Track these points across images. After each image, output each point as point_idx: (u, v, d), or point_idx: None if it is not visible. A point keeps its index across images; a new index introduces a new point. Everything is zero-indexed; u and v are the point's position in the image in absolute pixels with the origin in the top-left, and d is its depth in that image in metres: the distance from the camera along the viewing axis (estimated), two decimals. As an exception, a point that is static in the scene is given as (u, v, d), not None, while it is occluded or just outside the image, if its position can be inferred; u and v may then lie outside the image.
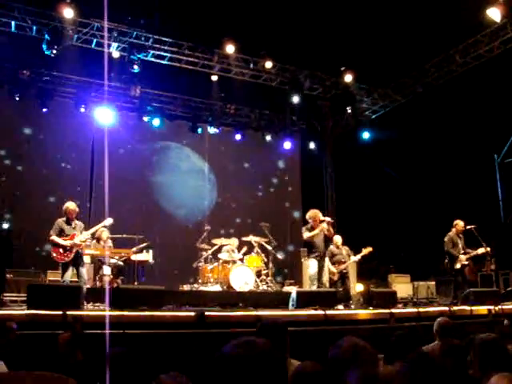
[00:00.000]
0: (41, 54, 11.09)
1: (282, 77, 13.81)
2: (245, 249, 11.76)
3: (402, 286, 12.51)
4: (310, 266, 9.51)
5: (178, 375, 2.25)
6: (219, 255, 11.49)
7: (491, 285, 11.24)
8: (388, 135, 14.02)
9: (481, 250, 10.06)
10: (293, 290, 9.52)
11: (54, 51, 10.88)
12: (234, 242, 11.76)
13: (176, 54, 12.64)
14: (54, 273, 10.81)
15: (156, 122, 14.19)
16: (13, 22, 11.03)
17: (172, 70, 13.07)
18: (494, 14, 10.52)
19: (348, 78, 13.53)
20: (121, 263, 10.10)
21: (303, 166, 16.88)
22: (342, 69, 13.48)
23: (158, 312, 6.91)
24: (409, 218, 13.78)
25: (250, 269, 11.05)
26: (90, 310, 7.40)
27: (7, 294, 9.70)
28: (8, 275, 10.20)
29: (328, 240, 10.10)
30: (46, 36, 10.84)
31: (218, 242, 11.72)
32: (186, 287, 11.29)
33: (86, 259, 9.57)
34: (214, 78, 13.52)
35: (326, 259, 9.99)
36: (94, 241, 9.70)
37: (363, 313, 8.28)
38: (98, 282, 9.75)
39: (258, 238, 11.87)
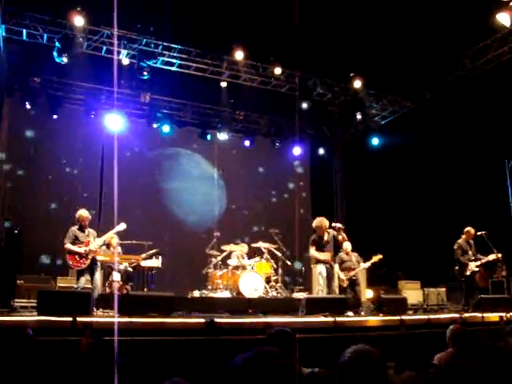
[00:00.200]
0: (51, 62, 11.19)
1: (291, 83, 13.83)
2: (256, 258, 11.74)
3: (412, 293, 12.44)
4: (320, 272, 9.47)
5: (181, 381, 2.24)
6: (229, 261, 11.49)
7: (502, 291, 11.14)
8: (397, 141, 13.98)
9: (492, 257, 9.99)
10: (302, 296, 9.49)
11: (65, 59, 10.97)
12: (244, 248, 11.76)
13: (185, 61, 12.69)
14: (64, 279, 10.88)
15: (166, 128, 14.22)
16: (24, 31, 11.14)
17: (181, 76, 13.11)
18: (504, 18, 10.49)
19: (357, 83, 13.54)
20: (130, 269, 10.13)
21: (313, 172, 16.88)
22: (351, 75, 13.49)
23: (167, 319, 6.90)
24: (419, 224, 13.70)
25: (259, 275, 11.03)
26: (99, 317, 7.42)
27: (18, 300, 9.75)
28: (18, 281, 10.26)
29: (338, 246, 10.06)
30: (57, 44, 10.94)
31: (227, 248, 11.71)
32: (196, 293, 11.28)
33: (96, 265, 9.59)
34: (224, 84, 13.56)
35: (336, 266, 9.95)
36: (104, 247, 9.73)
37: (373, 319, 8.22)
38: (107, 288, 9.77)
39: (267, 245, 11.86)
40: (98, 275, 8.53)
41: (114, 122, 13.36)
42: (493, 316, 8.60)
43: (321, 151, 16.34)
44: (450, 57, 12.65)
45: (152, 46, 12.01)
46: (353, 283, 10.27)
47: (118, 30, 11.40)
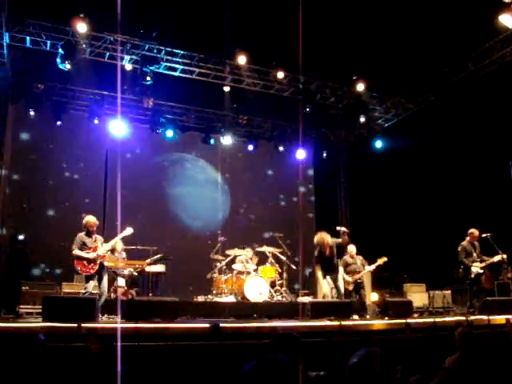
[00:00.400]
0: (55, 68, 11.21)
1: (293, 87, 13.82)
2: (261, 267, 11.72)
3: (417, 296, 12.38)
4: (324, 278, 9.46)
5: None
6: (233, 266, 11.48)
7: (508, 293, 11.06)
8: (401, 143, 13.96)
9: (497, 258, 9.94)
10: (307, 300, 9.47)
11: (68, 65, 11.00)
12: (248, 252, 11.74)
13: (188, 66, 12.71)
14: (69, 285, 10.88)
15: (169, 133, 14.23)
16: (27, 38, 11.18)
17: (184, 81, 13.13)
18: (506, 20, 10.46)
19: (360, 86, 13.51)
20: (135, 274, 10.13)
21: (316, 176, 16.88)
22: (354, 78, 13.48)
23: (172, 324, 6.90)
24: (423, 226, 13.66)
25: (264, 279, 11.01)
26: (104, 322, 7.42)
27: (23, 306, 9.77)
28: (23, 287, 10.27)
29: (341, 248, 10.03)
30: (60, 50, 10.96)
31: (231, 252, 11.71)
32: (201, 298, 11.27)
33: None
34: (226, 89, 13.57)
35: (340, 269, 9.93)
36: (109, 252, 9.74)
37: (379, 323, 8.19)
38: (112, 294, 9.78)
39: (271, 249, 11.85)
40: (106, 281, 8.53)
41: (118, 128, 13.39)
42: (499, 319, 8.55)
43: (324, 155, 16.32)
44: (453, 59, 12.63)
45: (155, 51, 12.02)
46: (358, 286, 10.25)
47: (120, 35, 11.43)
